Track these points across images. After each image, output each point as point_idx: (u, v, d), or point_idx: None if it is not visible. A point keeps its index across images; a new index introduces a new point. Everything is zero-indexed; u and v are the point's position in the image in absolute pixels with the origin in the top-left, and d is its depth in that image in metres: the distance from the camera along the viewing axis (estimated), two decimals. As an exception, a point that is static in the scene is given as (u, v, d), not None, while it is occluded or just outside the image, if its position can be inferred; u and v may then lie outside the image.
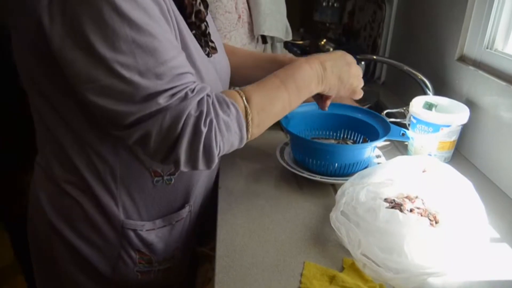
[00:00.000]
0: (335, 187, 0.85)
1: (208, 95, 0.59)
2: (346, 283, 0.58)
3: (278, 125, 1.12)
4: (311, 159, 0.83)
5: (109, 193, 0.69)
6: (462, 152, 1.00)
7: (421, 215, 0.72)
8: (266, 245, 0.68)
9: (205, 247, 0.87)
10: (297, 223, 0.74)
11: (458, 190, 0.73)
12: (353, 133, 0.96)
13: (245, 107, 0.62)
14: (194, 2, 0.66)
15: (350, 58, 0.75)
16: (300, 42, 1.60)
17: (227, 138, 0.60)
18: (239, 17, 1.07)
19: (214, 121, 0.57)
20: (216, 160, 0.60)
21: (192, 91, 0.57)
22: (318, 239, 0.70)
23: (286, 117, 0.91)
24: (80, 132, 0.65)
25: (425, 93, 1.08)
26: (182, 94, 0.55)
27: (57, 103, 0.63)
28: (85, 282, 0.74)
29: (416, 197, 0.76)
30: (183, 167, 0.58)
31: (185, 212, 0.77)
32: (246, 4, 1.09)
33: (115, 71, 0.52)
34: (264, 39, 1.17)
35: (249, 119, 0.62)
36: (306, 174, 0.83)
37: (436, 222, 0.72)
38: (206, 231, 0.89)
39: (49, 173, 0.70)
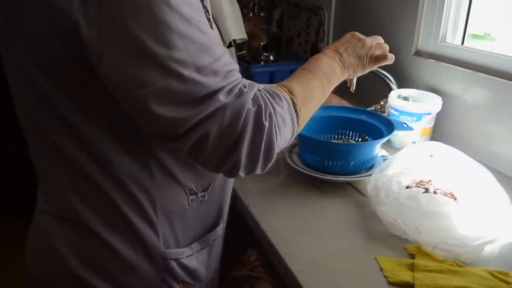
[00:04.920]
0: (352, 185, 0.90)
1: (259, 90, 0.56)
2: (428, 266, 0.63)
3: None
4: (331, 161, 0.86)
5: (150, 224, 0.63)
6: (435, 137, 1.12)
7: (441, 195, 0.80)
8: (331, 251, 0.70)
9: (239, 271, 0.85)
10: (343, 225, 0.77)
11: (466, 167, 0.82)
12: (348, 132, 1.01)
13: (292, 99, 0.61)
14: None
15: (358, 34, 0.77)
16: (244, 52, 1.61)
17: (284, 133, 0.57)
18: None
19: (273, 114, 0.55)
20: (274, 158, 0.56)
21: (245, 86, 0.53)
22: (372, 234, 0.74)
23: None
24: (112, 160, 0.58)
25: (390, 88, 1.18)
26: (237, 90, 0.52)
27: (84, 129, 0.56)
28: None
29: (430, 180, 0.84)
30: (241, 171, 0.54)
31: (220, 229, 0.74)
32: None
33: (171, 69, 0.47)
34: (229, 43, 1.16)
35: (298, 110, 0.61)
36: (330, 177, 0.86)
37: (455, 199, 0.80)
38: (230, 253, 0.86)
39: (62, 218, 0.62)
